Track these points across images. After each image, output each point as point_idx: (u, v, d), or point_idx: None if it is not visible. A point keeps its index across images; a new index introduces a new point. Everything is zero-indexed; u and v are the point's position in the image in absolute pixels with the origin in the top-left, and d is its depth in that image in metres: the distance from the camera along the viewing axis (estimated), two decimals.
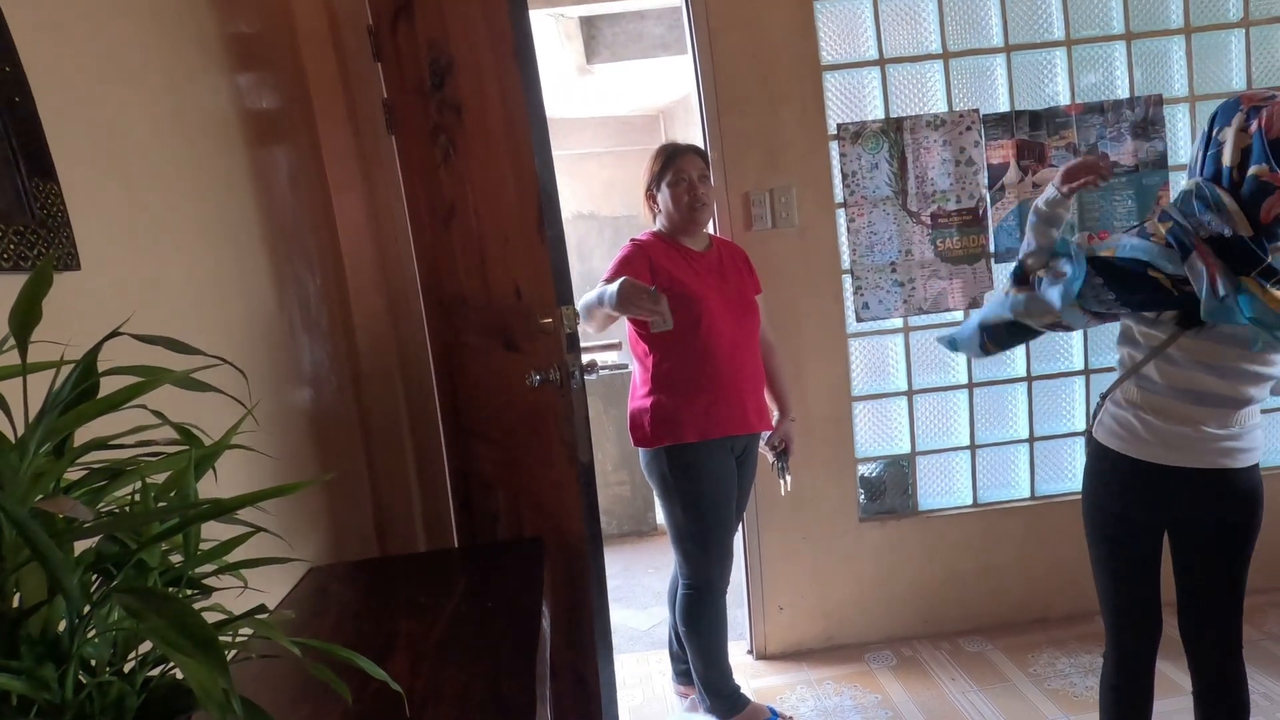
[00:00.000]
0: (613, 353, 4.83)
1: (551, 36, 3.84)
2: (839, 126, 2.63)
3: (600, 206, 6.23)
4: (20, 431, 0.56)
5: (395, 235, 2.26)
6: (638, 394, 2.26)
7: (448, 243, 2.07)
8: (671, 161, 2.21)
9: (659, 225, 2.29)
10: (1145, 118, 2.67)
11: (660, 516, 4.19)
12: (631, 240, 2.26)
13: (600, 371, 4.32)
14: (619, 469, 4.34)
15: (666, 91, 5.35)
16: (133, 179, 1.22)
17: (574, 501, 1.71)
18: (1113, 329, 1.69)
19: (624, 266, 2.14)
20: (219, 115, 1.59)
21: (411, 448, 2.35)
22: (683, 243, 2.26)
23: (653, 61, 4.22)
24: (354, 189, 2.22)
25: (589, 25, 4.06)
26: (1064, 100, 2.68)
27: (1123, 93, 2.68)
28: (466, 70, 1.80)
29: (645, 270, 2.14)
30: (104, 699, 0.55)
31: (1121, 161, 2.68)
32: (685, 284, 2.17)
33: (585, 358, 1.73)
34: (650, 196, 2.28)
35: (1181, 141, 2.72)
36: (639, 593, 3.59)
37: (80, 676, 0.55)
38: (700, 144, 2.51)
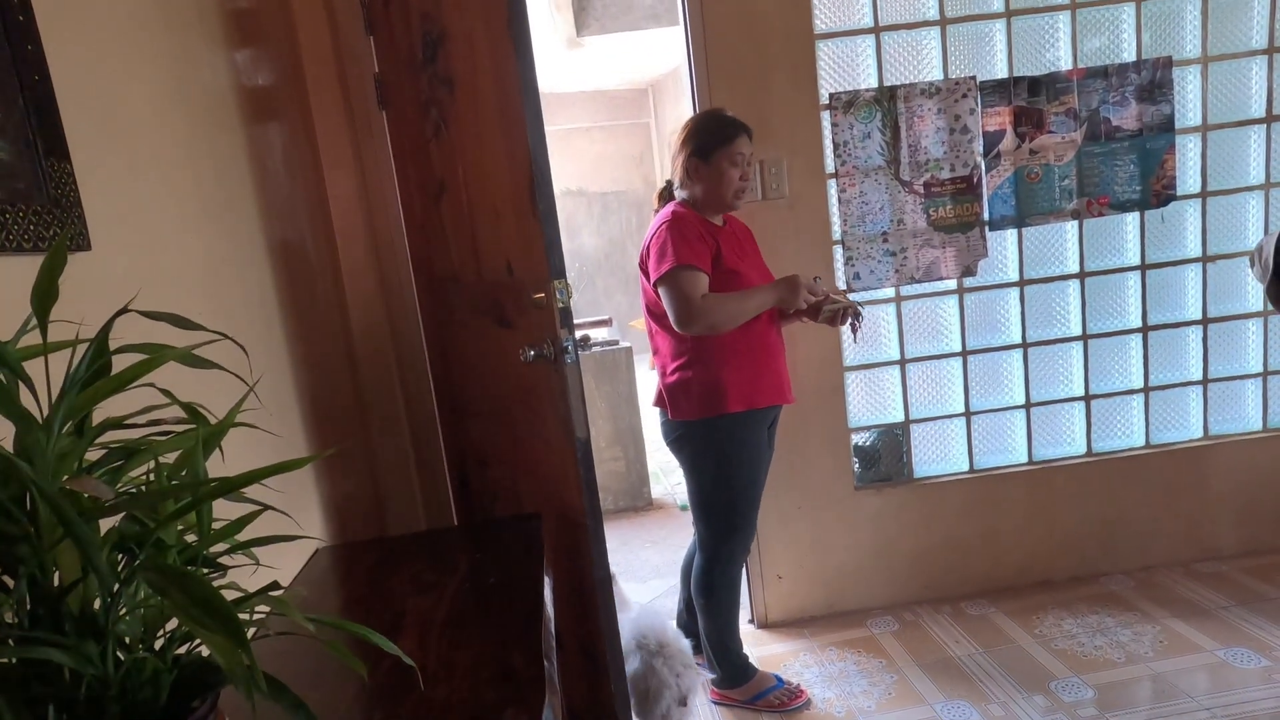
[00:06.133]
0: (604, 329, 4.82)
1: (542, 7, 3.80)
2: (831, 96, 2.61)
3: (589, 182, 6.19)
4: (44, 410, 0.57)
5: (386, 213, 2.24)
6: (669, 368, 2.20)
7: (438, 219, 2.05)
8: (734, 138, 2.10)
9: (684, 196, 2.19)
10: (1153, 80, 2.66)
11: (656, 491, 4.21)
12: (672, 211, 2.14)
13: (593, 348, 4.32)
14: (613, 445, 4.34)
15: (656, 65, 5.31)
16: (137, 158, 1.21)
17: (572, 477, 1.71)
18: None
19: (695, 241, 2.07)
20: (218, 92, 1.57)
21: (408, 427, 2.34)
22: (708, 218, 2.19)
23: (642, 33, 4.18)
24: (346, 166, 2.20)
25: None
26: (1065, 65, 2.66)
27: (1129, 56, 2.66)
28: (458, 42, 1.78)
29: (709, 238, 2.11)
30: (140, 674, 0.55)
31: (1125, 126, 2.67)
32: (725, 257, 2.12)
33: (578, 333, 1.72)
34: (692, 164, 2.13)
35: (1190, 104, 2.72)
36: (638, 566, 3.61)
37: (118, 653, 0.56)
38: (689, 116, 2.47)
